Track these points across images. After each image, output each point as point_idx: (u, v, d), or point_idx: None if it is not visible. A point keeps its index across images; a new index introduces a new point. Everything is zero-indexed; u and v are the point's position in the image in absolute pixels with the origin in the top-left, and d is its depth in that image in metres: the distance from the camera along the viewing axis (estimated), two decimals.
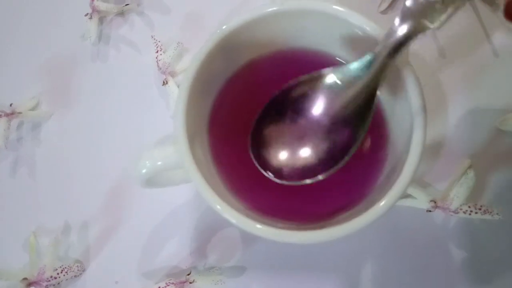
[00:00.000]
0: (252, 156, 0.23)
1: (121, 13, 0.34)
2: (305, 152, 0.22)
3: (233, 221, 0.20)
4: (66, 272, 0.28)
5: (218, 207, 0.20)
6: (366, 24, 0.22)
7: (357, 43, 0.23)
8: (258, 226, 0.20)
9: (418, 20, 0.18)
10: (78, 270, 0.28)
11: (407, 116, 0.21)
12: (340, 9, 0.22)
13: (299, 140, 0.22)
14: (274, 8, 0.23)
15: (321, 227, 0.20)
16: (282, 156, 0.23)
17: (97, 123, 0.32)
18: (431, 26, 0.18)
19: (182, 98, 0.21)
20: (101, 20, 0.34)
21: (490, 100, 0.29)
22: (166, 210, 0.29)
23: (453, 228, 0.27)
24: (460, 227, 0.27)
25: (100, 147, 0.31)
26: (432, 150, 0.29)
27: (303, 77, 0.21)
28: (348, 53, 0.24)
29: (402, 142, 0.22)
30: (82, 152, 0.31)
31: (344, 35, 0.23)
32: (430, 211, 0.26)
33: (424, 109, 0.20)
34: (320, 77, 0.21)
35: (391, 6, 0.31)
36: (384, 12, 0.32)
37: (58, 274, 0.27)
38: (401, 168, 0.20)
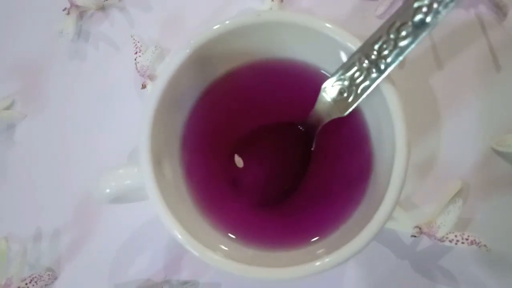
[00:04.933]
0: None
1: (102, 8, 0.32)
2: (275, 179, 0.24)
3: (195, 253, 0.19)
4: (36, 282, 0.27)
5: (179, 236, 0.19)
6: (340, 36, 0.20)
7: (336, 54, 0.21)
8: (219, 259, 0.19)
9: (331, 112, 0.21)
10: (49, 279, 0.27)
11: (390, 144, 0.20)
12: (315, 20, 0.20)
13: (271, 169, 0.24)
14: (249, 20, 0.21)
15: (291, 264, 0.19)
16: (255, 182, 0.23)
17: (74, 125, 0.31)
18: (343, 114, 0.21)
19: (147, 119, 0.20)
20: (81, 15, 0.32)
21: (487, 118, 0.27)
22: (141, 221, 0.28)
23: (439, 254, 0.26)
24: (446, 253, 0.26)
25: (76, 151, 0.30)
26: (423, 169, 0.27)
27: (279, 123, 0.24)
28: (331, 64, 0.22)
29: (384, 173, 0.20)
30: (56, 156, 0.30)
31: (323, 46, 0.21)
32: (415, 236, 0.25)
33: (407, 141, 0.19)
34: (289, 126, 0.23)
35: (388, 10, 0.29)
36: (381, 16, 0.29)
37: (26, 284, 0.27)
38: (379, 203, 0.19)
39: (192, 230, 0.20)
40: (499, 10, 0.27)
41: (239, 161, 0.24)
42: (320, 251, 0.20)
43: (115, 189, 0.21)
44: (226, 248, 0.21)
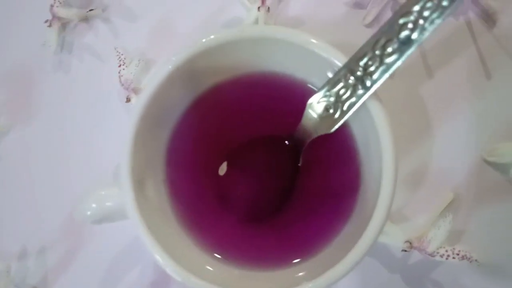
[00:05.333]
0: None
1: (85, 19, 0.31)
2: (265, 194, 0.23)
3: (177, 278, 0.18)
4: None
5: (160, 260, 0.18)
6: (325, 51, 0.20)
7: (322, 69, 0.21)
8: (201, 283, 0.18)
9: (318, 128, 0.21)
10: None
11: (378, 159, 0.19)
12: (299, 35, 0.20)
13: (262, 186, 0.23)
14: (232, 36, 0.20)
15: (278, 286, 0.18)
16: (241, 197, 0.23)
17: (59, 139, 0.30)
18: (330, 131, 0.20)
19: (128, 139, 0.19)
20: (64, 26, 0.31)
21: (478, 126, 0.27)
22: (128, 237, 0.28)
23: (431, 267, 0.26)
24: (438, 266, 0.26)
25: (61, 165, 0.30)
26: (414, 180, 0.27)
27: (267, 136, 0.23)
28: (317, 78, 0.22)
29: (372, 189, 0.20)
30: (42, 170, 0.30)
31: (308, 61, 0.21)
32: (405, 251, 0.24)
33: (395, 157, 0.18)
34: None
35: (376, 19, 0.29)
36: (369, 25, 0.29)
37: None
38: (368, 220, 0.18)
39: (175, 251, 0.19)
40: (489, 18, 0.27)
41: (225, 176, 0.23)
42: (307, 272, 0.19)
43: (96, 211, 0.21)
44: (211, 269, 0.20)
